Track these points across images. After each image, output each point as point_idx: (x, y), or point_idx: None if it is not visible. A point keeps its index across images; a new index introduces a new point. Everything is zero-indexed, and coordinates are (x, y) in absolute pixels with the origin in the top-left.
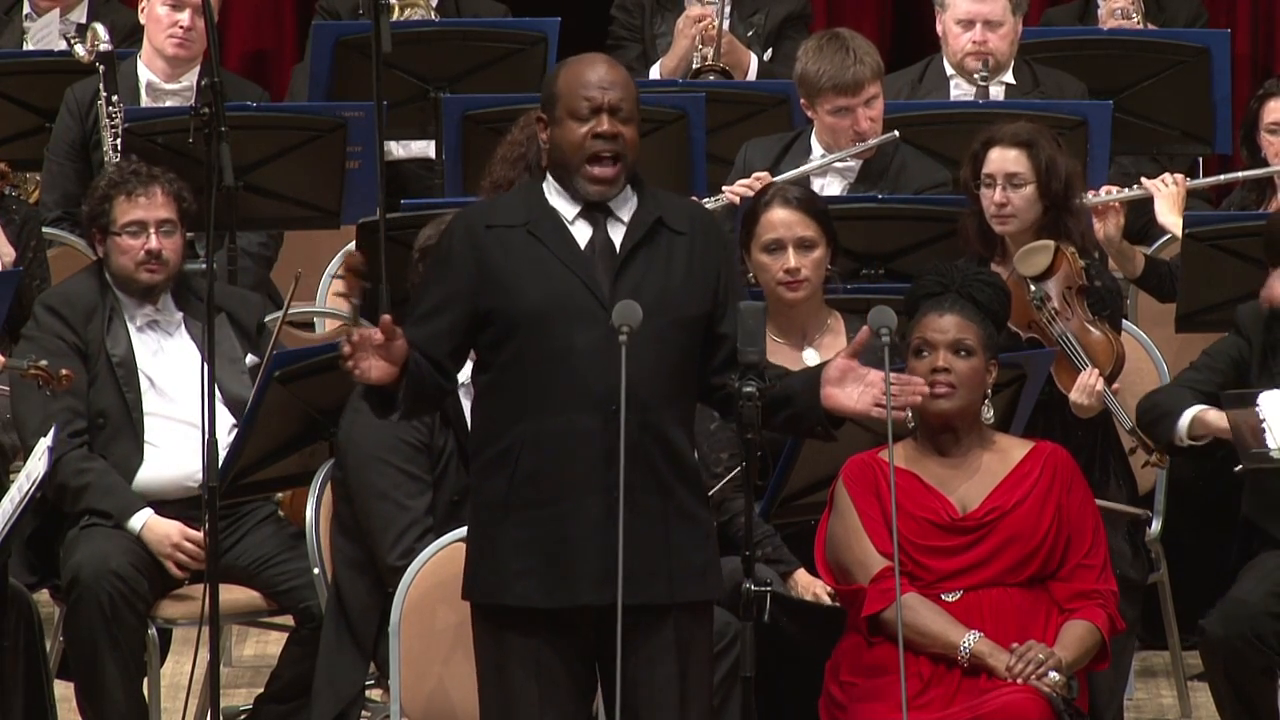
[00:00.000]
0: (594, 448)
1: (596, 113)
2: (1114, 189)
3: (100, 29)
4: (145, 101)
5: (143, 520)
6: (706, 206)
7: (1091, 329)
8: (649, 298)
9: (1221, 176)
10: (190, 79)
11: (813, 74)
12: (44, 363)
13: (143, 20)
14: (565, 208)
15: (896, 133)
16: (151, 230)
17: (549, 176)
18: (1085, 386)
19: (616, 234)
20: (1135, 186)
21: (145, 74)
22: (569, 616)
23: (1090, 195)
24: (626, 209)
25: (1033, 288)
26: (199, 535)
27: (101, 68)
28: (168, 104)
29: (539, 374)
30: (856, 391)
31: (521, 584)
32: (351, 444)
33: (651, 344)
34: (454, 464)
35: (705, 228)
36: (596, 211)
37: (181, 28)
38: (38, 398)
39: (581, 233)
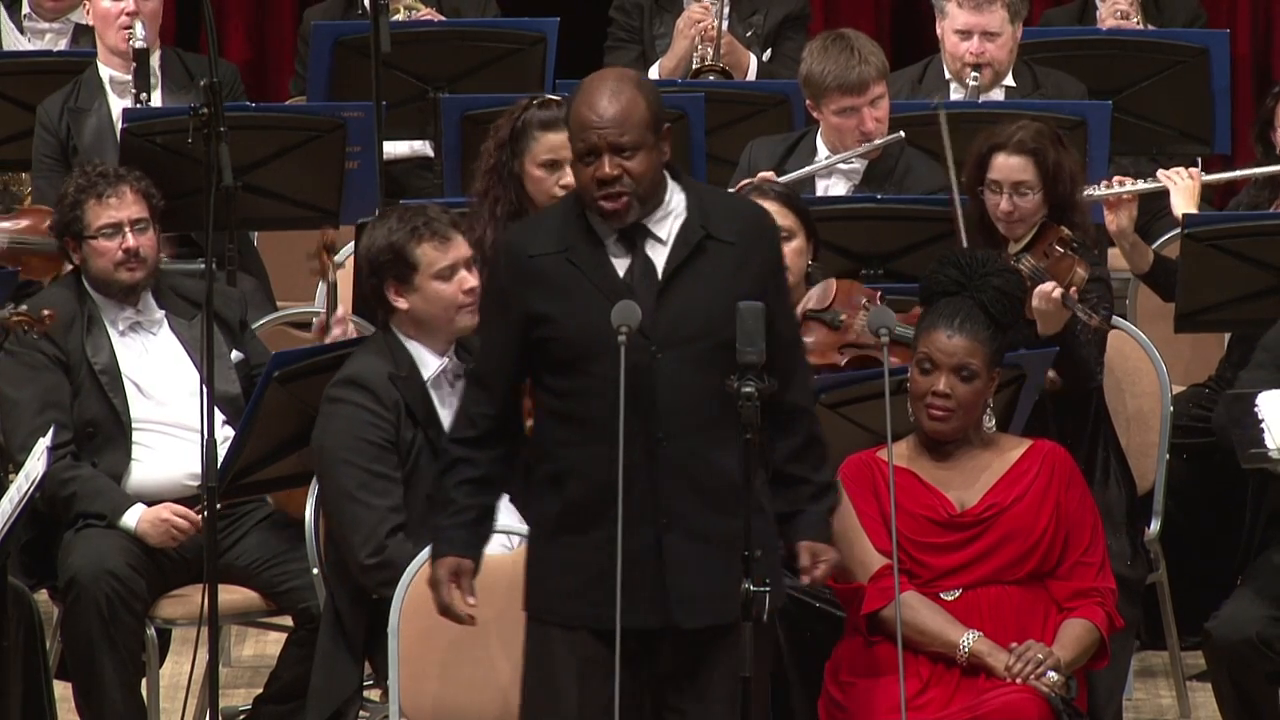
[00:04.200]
0: (639, 477)
1: (596, 155)
2: (1127, 180)
3: (139, 27)
4: (113, 98)
5: (135, 515)
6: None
7: (1055, 251)
8: (693, 324)
9: (1237, 171)
10: (153, 63)
11: (818, 74)
12: (24, 308)
13: (90, 21)
14: (604, 229)
15: (902, 133)
16: (127, 230)
17: None
18: (1042, 293)
19: (658, 255)
20: (1150, 179)
21: (107, 71)
22: (621, 638)
23: (1103, 186)
24: (666, 224)
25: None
26: (185, 510)
27: (134, 65)
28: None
29: (584, 404)
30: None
31: (569, 605)
32: (320, 448)
33: (696, 368)
34: (425, 459)
35: (755, 232)
36: (634, 234)
37: (128, 15)
38: (23, 413)
39: (620, 258)
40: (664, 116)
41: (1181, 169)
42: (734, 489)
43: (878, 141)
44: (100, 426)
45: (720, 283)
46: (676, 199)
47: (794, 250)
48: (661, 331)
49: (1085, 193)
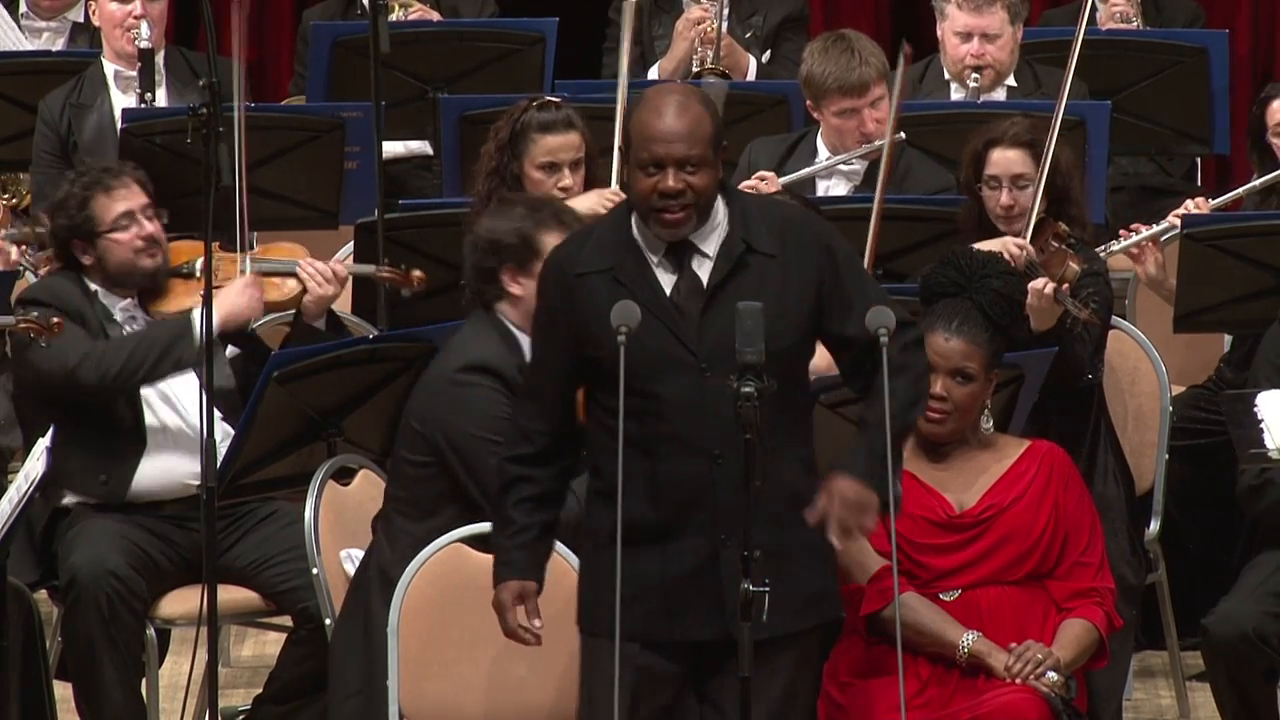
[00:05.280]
0: (696, 493)
1: (661, 167)
2: (1141, 228)
3: (145, 28)
4: (116, 95)
5: (213, 316)
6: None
7: (1051, 246)
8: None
9: (1241, 189)
10: (158, 60)
11: (818, 75)
12: (35, 314)
13: (96, 23)
14: (651, 246)
15: (903, 134)
16: (140, 217)
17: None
18: (1033, 289)
19: (703, 270)
20: (1162, 221)
21: (111, 68)
22: (671, 649)
23: (1121, 240)
24: (713, 239)
25: None
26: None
27: (139, 64)
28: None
29: (638, 422)
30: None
31: (626, 616)
32: (454, 429)
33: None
34: None
35: (798, 239)
36: (681, 250)
37: (135, 18)
38: (73, 333)
39: (667, 275)
40: (723, 135)
41: (1189, 202)
42: (790, 501)
43: (878, 143)
44: (115, 406)
45: (766, 294)
46: (721, 212)
47: None
48: (708, 348)
49: (1102, 249)
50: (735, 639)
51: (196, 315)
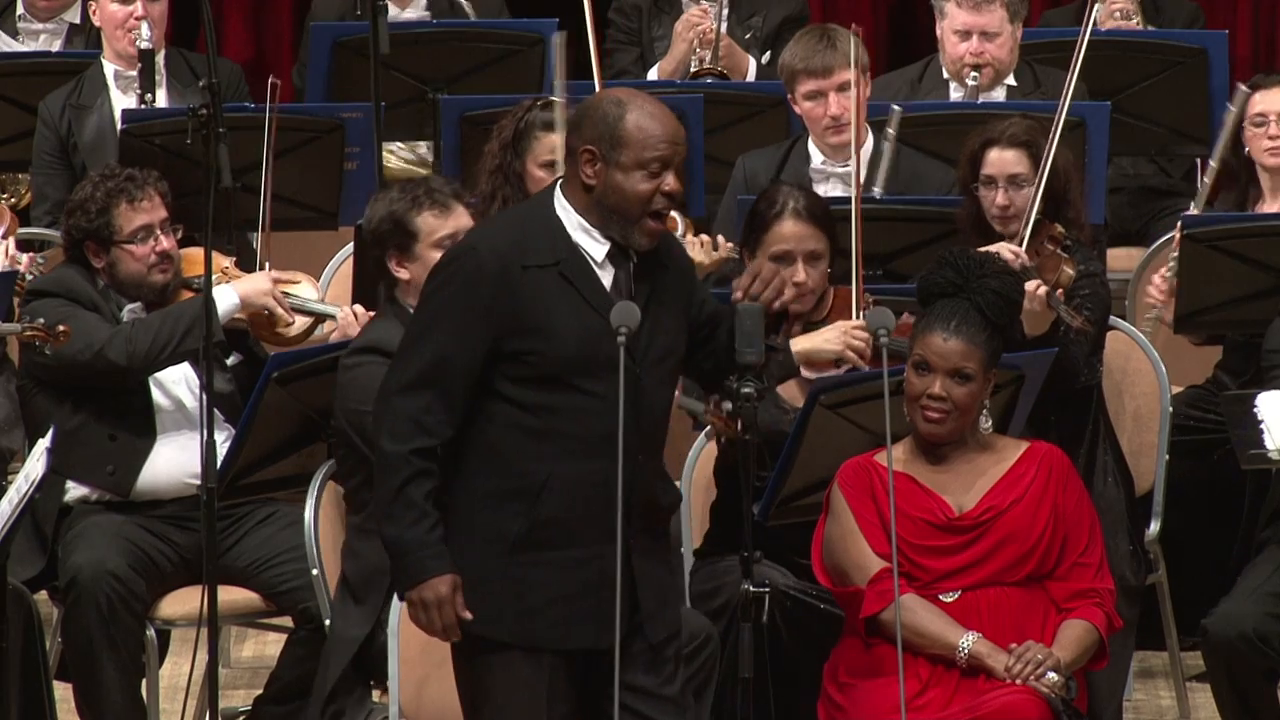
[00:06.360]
0: (615, 495)
1: (666, 168)
2: (1160, 296)
3: (145, 28)
4: (116, 95)
5: (230, 294)
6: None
7: (1046, 249)
8: (662, 341)
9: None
10: (158, 60)
11: (788, 60)
12: (40, 321)
13: (97, 23)
14: (593, 247)
15: (897, 106)
16: (159, 232)
17: (568, 208)
18: (1028, 293)
19: (630, 276)
20: (1167, 271)
21: (111, 68)
22: (575, 657)
23: (1152, 310)
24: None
25: None
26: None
27: (140, 65)
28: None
29: (569, 420)
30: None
31: (533, 625)
32: (346, 412)
33: (663, 388)
34: None
35: (670, 251)
36: (619, 254)
37: (136, 19)
38: (93, 319)
39: (607, 275)
40: None
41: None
42: (672, 499)
43: (895, 119)
44: (127, 396)
45: (672, 303)
46: None
47: (820, 273)
48: (641, 351)
49: (1146, 325)
50: (650, 642)
51: (218, 291)
